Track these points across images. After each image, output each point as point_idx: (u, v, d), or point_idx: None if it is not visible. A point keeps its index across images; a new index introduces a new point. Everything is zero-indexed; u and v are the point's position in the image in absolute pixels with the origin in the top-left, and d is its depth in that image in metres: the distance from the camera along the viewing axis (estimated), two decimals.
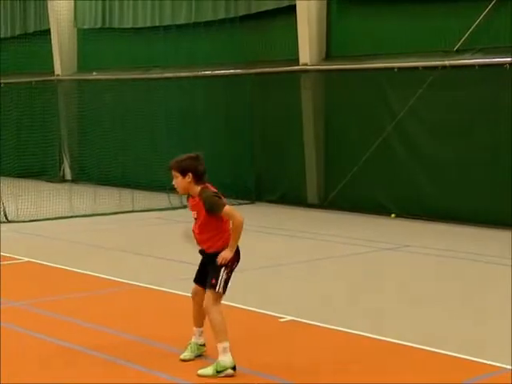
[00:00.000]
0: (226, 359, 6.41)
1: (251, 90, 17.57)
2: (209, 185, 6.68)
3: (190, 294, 9.15)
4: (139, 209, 16.42)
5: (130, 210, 16.30)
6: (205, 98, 18.43)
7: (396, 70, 15.06)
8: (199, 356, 6.81)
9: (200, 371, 6.47)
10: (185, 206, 16.80)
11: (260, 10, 17.41)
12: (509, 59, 13.54)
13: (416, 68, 14.74)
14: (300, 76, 16.61)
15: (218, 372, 6.40)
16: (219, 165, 18.02)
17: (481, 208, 13.90)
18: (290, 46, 16.87)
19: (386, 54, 15.39)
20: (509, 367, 6.59)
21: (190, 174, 6.60)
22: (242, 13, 17.73)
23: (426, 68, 14.61)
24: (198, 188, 6.61)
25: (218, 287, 6.61)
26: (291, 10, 16.56)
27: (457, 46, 14.40)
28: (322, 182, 16.56)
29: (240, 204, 17.26)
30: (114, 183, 19.05)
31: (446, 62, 14.33)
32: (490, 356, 6.85)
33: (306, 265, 11.16)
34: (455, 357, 6.91)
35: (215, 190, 6.65)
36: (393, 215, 15.01)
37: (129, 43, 19.74)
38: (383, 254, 11.93)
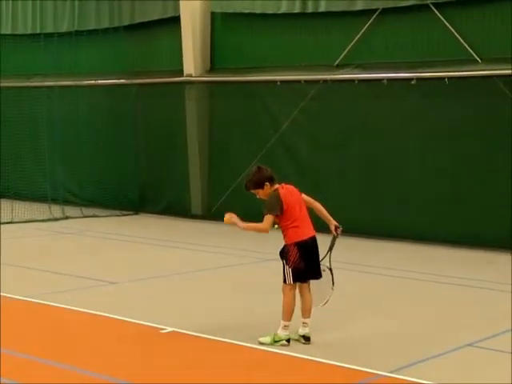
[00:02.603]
0: (282, 333, 7.52)
1: (135, 100, 17.47)
2: (283, 184, 7.76)
3: (70, 307, 9.07)
4: (18, 220, 16.02)
5: (9, 221, 15.89)
6: (88, 108, 18.20)
7: (279, 83, 15.33)
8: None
9: (260, 339, 7.56)
10: (67, 217, 16.59)
11: (144, 20, 17.36)
12: (386, 75, 14.01)
13: (298, 81, 15.05)
14: (184, 87, 16.64)
15: (275, 342, 7.50)
16: (102, 175, 17.85)
17: (361, 219, 14.26)
18: (174, 57, 16.89)
19: (269, 67, 15.65)
20: (383, 373, 6.80)
21: (267, 183, 7.60)
22: (125, 22, 17.62)
23: (307, 82, 14.93)
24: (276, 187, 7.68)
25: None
26: (175, 20, 16.59)
27: (337, 61, 14.79)
28: (206, 193, 16.63)
29: (124, 215, 17.12)
30: None
31: (327, 77, 14.69)
32: (364, 363, 7.05)
33: (189, 276, 11.16)
34: (331, 364, 7.06)
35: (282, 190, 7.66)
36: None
37: (9, 50, 19.26)
38: (267, 264, 12.06)
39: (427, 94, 13.66)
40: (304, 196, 7.86)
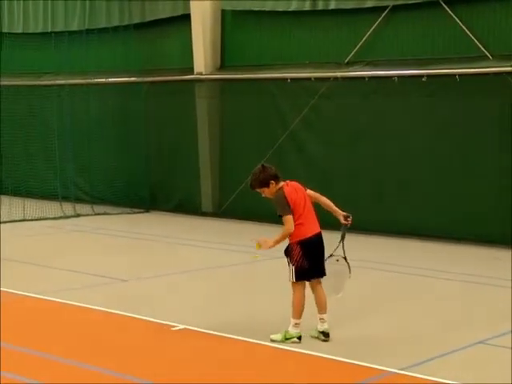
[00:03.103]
0: (293, 331, 7.52)
1: (145, 98, 17.50)
2: (287, 182, 7.72)
3: (82, 304, 9.10)
4: (30, 218, 16.09)
5: (21, 218, 15.96)
6: (98, 106, 18.24)
7: (289, 80, 15.32)
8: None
9: (272, 336, 7.58)
10: (78, 215, 16.64)
11: (154, 19, 17.38)
12: (397, 72, 13.98)
13: (308, 79, 15.04)
14: (195, 85, 16.66)
15: (286, 339, 7.51)
16: (113, 173, 17.89)
17: (370, 217, 14.23)
18: (184, 55, 16.91)
19: (279, 65, 15.65)
20: (393, 370, 6.80)
21: (273, 182, 7.58)
22: (136, 20, 17.65)
23: (317, 79, 14.92)
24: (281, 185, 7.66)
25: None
26: (186, 18, 16.61)
27: (347, 59, 14.78)
28: (217, 190, 16.64)
29: (135, 213, 17.15)
30: (4, 191, 18.56)
31: (338, 74, 14.68)
32: (374, 360, 7.04)
33: (200, 273, 11.18)
34: (340, 361, 7.06)
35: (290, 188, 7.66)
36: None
37: (20, 49, 19.32)
38: (278, 261, 12.04)
39: (438, 91, 13.63)
40: (309, 191, 7.83)
